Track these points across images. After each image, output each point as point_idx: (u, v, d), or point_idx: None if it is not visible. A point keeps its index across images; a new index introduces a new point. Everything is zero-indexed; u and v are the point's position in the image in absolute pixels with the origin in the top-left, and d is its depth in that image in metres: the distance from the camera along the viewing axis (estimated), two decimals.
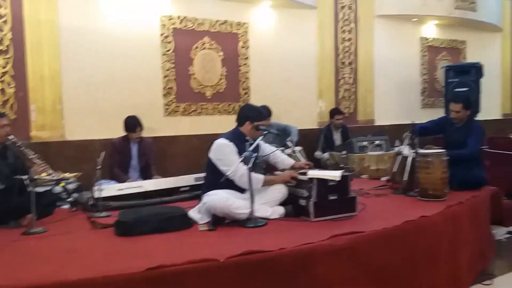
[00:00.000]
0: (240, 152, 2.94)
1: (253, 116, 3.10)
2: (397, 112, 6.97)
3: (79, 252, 2.31)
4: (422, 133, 3.82)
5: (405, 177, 3.41)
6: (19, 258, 2.25)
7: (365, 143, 4.91)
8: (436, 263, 2.70)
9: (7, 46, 4.52)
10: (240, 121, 3.15)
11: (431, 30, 7.52)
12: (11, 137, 3.26)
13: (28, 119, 4.64)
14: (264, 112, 3.25)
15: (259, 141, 3.12)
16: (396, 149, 3.79)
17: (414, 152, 3.43)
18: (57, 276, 1.86)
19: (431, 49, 7.50)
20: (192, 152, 5.26)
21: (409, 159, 3.44)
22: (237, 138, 3.05)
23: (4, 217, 2.98)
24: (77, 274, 1.87)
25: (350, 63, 6.52)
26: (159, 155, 4.91)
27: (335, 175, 2.80)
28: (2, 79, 4.53)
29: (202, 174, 3.63)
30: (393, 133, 5.73)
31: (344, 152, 4.06)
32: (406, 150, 3.59)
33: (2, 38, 4.48)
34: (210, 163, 3.05)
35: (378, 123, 6.73)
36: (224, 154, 2.96)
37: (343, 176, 2.82)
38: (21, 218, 2.97)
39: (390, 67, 6.93)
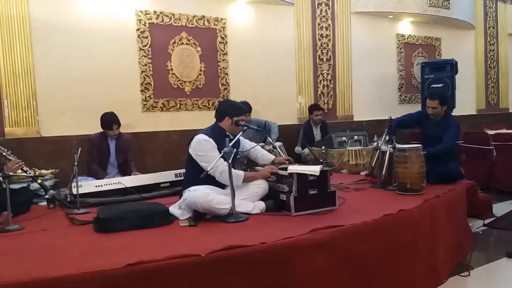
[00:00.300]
0: (220, 148, 2.93)
1: (232, 112, 3.09)
2: (375, 107, 7.09)
3: (57, 249, 2.26)
4: (399, 127, 3.89)
5: (384, 171, 3.46)
6: None
7: (344, 138, 4.97)
8: (415, 256, 2.75)
9: None
10: (219, 116, 3.13)
11: (406, 27, 7.66)
12: None
13: (1, 115, 4.51)
14: (243, 108, 3.23)
15: (239, 136, 3.12)
16: (374, 144, 3.84)
17: (391, 147, 3.48)
18: (35, 273, 1.81)
19: (407, 46, 7.64)
20: (171, 148, 5.22)
21: (387, 154, 3.50)
22: (217, 134, 3.03)
23: None
24: (56, 271, 1.83)
25: (328, 59, 6.58)
26: (138, 151, 4.85)
27: (314, 170, 2.81)
28: None
29: (182, 170, 3.62)
30: (372, 128, 5.85)
31: (323, 147, 4.09)
32: (384, 145, 3.64)
33: None
34: (190, 159, 3.03)
35: (356, 118, 6.82)
36: (203, 150, 2.94)
37: (322, 171, 2.84)
38: None
39: (367, 63, 7.03)
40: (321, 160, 3.74)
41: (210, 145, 2.94)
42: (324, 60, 6.57)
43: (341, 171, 4.60)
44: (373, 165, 3.74)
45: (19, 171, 3.10)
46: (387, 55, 7.40)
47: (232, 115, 3.08)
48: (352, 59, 6.82)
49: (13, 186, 2.85)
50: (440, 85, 6.64)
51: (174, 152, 5.10)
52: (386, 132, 3.71)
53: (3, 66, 4.50)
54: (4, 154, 3.17)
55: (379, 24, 7.21)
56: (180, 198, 3.01)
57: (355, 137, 5.03)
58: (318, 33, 6.49)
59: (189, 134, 3.11)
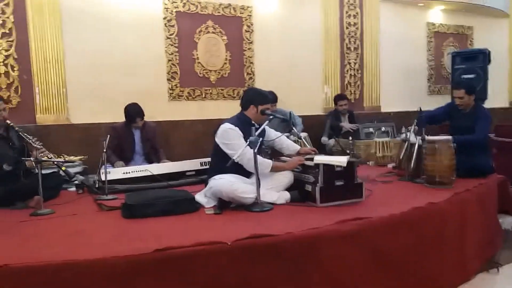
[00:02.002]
0: (245, 137, 2.93)
1: (258, 100, 3.08)
2: (403, 98, 6.92)
3: (87, 233, 2.33)
4: (429, 122, 3.80)
5: (412, 164, 3.38)
6: (29, 238, 2.25)
7: (371, 129, 4.88)
8: (443, 250, 2.70)
9: (10, 29, 4.49)
10: (245, 105, 3.12)
11: (437, 16, 7.42)
12: (8, 121, 3.26)
13: (33, 102, 4.63)
14: (268, 96, 3.21)
15: (265, 125, 3.11)
16: (403, 135, 3.76)
17: (421, 139, 3.40)
18: (66, 256, 1.87)
19: (437, 35, 7.41)
20: (196, 137, 5.25)
21: (416, 146, 3.42)
22: (242, 123, 3.03)
23: (12, 198, 3.00)
24: (86, 254, 1.88)
25: (355, 48, 6.46)
26: (163, 139, 4.90)
27: (341, 160, 2.78)
28: (6, 62, 4.52)
29: (207, 159, 3.64)
30: (399, 119, 5.72)
31: (351, 138, 4.03)
32: (412, 136, 3.57)
33: (4, 21, 4.45)
34: (216, 148, 3.04)
35: (384, 109, 6.69)
36: (229, 138, 2.95)
37: (349, 162, 2.81)
38: (29, 199, 2.99)
39: (396, 53, 6.86)
40: (348, 151, 3.68)
41: (236, 133, 2.94)
42: (352, 49, 6.44)
43: (368, 163, 4.53)
44: (401, 157, 3.66)
45: (45, 158, 3.18)
46: (417, 45, 7.19)
47: (257, 103, 3.06)
48: (381, 48, 6.66)
49: (44, 172, 2.93)
50: (471, 76, 6.42)
51: (199, 141, 5.13)
52: (415, 123, 3.63)
53: (35, 54, 4.60)
54: (30, 141, 3.25)
55: (409, 12, 7.01)
56: (205, 186, 3.03)
57: (383, 129, 4.93)
58: (346, 22, 6.36)
59: (214, 123, 3.11)
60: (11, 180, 3.01)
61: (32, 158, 2.89)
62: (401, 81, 6.98)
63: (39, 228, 2.48)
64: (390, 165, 4.29)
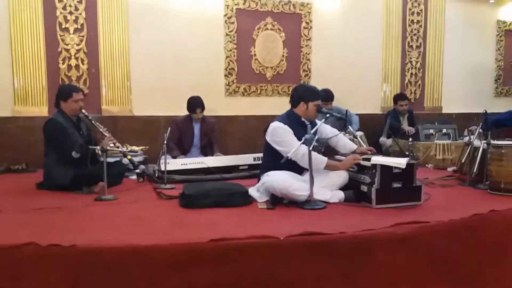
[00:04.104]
0: (295, 134, 2.93)
1: (307, 96, 3.06)
2: (467, 99, 6.56)
3: (146, 220, 2.45)
4: (496, 126, 3.59)
5: (475, 168, 3.22)
6: (94, 222, 2.42)
7: (431, 131, 4.69)
8: (504, 260, 2.55)
9: (81, 24, 4.79)
10: (294, 102, 3.12)
11: (510, 13, 6.94)
12: (83, 110, 3.50)
13: (99, 94, 4.92)
14: (319, 92, 3.17)
15: (321, 123, 3.09)
16: (466, 138, 3.58)
17: (486, 143, 3.22)
18: (129, 240, 1.98)
19: (509, 33, 6.93)
20: (249, 133, 5.32)
21: (480, 150, 3.25)
22: (291, 120, 3.04)
23: (78, 183, 3.22)
24: (147, 240, 1.98)
25: (418, 47, 6.21)
26: (218, 133, 5.01)
27: (400, 162, 2.70)
28: (77, 55, 4.82)
29: (260, 154, 3.68)
30: (462, 121, 5.45)
31: (411, 139, 3.89)
32: (476, 139, 3.39)
33: (77, 17, 4.75)
34: (267, 146, 3.08)
35: (445, 110, 6.38)
36: (280, 136, 2.97)
37: (408, 164, 2.72)
38: (94, 185, 3.19)
39: (461, 51, 6.50)
40: (407, 153, 3.57)
41: (285, 131, 2.96)
42: (414, 47, 6.20)
43: (427, 165, 4.37)
44: (463, 161, 3.50)
45: (112, 145, 3.38)
46: (485, 43, 6.77)
47: (307, 100, 3.05)
48: (444, 47, 6.35)
49: (108, 160, 3.11)
50: None
51: (252, 137, 5.19)
52: (480, 126, 3.45)
53: (103, 49, 4.88)
54: (101, 130, 3.47)
55: (478, 9, 6.61)
56: (258, 181, 3.07)
57: (444, 130, 4.72)
58: (409, 19, 6.13)
59: (268, 120, 3.14)
60: (79, 166, 3.23)
61: (98, 147, 3.08)
62: (465, 82, 6.62)
63: (103, 212, 2.64)
64: (450, 169, 4.11)
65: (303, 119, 3.08)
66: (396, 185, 2.74)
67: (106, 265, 1.90)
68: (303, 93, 3.09)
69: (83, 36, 4.82)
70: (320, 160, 2.91)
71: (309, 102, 3.04)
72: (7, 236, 2.05)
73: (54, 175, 3.31)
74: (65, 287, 1.88)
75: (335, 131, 3.33)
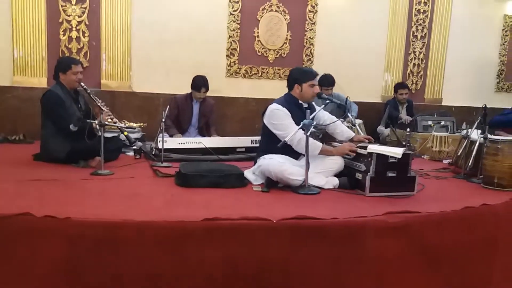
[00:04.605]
0: (293, 117, 2.94)
1: (301, 78, 3.06)
2: (467, 93, 6.55)
3: (142, 196, 2.46)
4: (496, 126, 3.59)
5: (470, 162, 3.24)
6: (89, 196, 2.43)
7: (430, 122, 4.68)
8: (494, 253, 2.58)
9: None
10: (290, 85, 3.13)
11: None
12: (82, 84, 3.48)
13: (99, 68, 4.88)
14: (312, 72, 3.16)
15: (320, 109, 3.09)
16: (463, 132, 3.59)
17: (483, 137, 3.24)
18: (123, 215, 2.00)
19: None
20: (249, 115, 5.32)
21: (477, 144, 3.26)
22: (289, 103, 3.05)
23: (75, 157, 3.23)
24: (140, 216, 2.01)
25: (422, 37, 6.16)
26: (217, 115, 5.00)
27: (396, 152, 2.71)
28: (78, 27, 4.78)
29: (258, 137, 3.70)
30: (461, 115, 5.46)
31: (409, 129, 3.90)
32: (474, 134, 3.40)
33: None
34: (265, 129, 3.09)
35: (445, 103, 6.37)
36: (277, 119, 2.98)
37: (404, 154, 2.73)
38: (90, 159, 3.20)
39: (465, 45, 6.45)
40: (404, 143, 3.58)
41: (283, 113, 2.97)
42: (418, 37, 6.15)
43: (422, 156, 4.38)
44: (459, 153, 3.52)
45: (109, 121, 3.38)
46: (489, 38, 6.71)
47: (301, 82, 3.06)
48: (449, 39, 6.30)
49: (106, 135, 3.12)
50: None
51: (251, 119, 5.19)
52: (478, 120, 3.45)
53: (105, 22, 4.83)
54: (99, 104, 3.46)
55: (485, 3, 6.53)
56: (254, 164, 3.09)
57: (442, 123, 4.72)
58: (415, 8, 6.06)
59: (268, 103, 3.14)
60: (76, 140, 3.23)
61: (96, 121, 3.08)
62: (467, 75, 6.59)
63: (98, 187, 2.65)
64: (446, 161, 4.13)
65: (300, 102, 3.08)
66: (390, 174, 2.75)
67: (100, 238, 1.92)
68: (297, 75, 3.10)
69: (85, 8, 4.76)
70: (315, 145, 2.92)
71: (302, 84, 3.05)
72: (2, 206, 2.06)
73: (50, 147, 3.31)
74: (58, 259, 1.90)
75: (333, 118, 3.34)
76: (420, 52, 6.18)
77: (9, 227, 1.92)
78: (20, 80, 4.67)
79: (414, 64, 6.18)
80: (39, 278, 1.90)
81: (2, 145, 4.22)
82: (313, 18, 5.57)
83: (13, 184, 2.57)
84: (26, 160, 3.40)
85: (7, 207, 2.02)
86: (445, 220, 2.41)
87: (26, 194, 2.34)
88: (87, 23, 4.79)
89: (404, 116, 5.30)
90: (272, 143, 2.90)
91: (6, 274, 1.90)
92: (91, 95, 3.50)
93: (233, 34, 5.28)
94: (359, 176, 2.82)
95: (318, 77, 3.13)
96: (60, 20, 4.72)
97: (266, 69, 5.50)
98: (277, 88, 5.40)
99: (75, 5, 4.72)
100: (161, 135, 3.41)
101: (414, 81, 6.22)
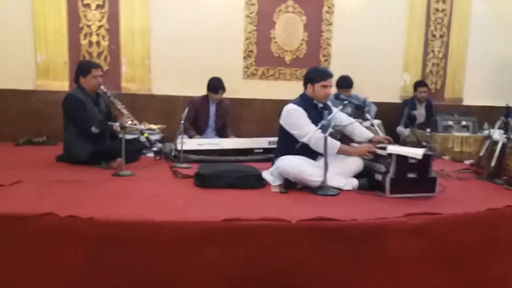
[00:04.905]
0: (309, 116, 2.95)
1: (314, 78, 3.06)
2: (489, 92, 6.40)
3: (162, 197, 2.50)
4: None
5: (493, 162, 3.17)
6: (111, 196, 2.47)
7: (450, 122, 4.60)
8: None
9: (103, 1, 4.82)
10: (304, 85, 3.14)
11: None
12: (102, 87, 3.54)
13: (119, 71, 4.97)
14: (326, 72, 3.14)
15: (337, 111, 3.07)
16: (486, 132, 3.52)
17: (506, 137, 3.17)
18: (143, 215, 2.04)
19: None
20: (265, 116, 5.32)
21: (499, 144, 3.19)
22: (305, 103, 3.05)
23: (97, 158, 3.29)
24: (161, 216, 2.03)
25: (441, 36, 6.06)
26: (234, 116, 5.03)
27: (417, 152, 2.67)
28: (98, 32, 4.87)
29: (275, 138, 3.69)
30: (482, 115, 5.33)
31: (429, 130, 3.84)
32: (496, 134, 3.33)
33: None
34: (281, 130, 3.09)
35: (466, 102, 6.25)
36: (293, 118, 2.98)
37: (425, 155, 2.70)
38: (112, 160, 3.25)
39: (487, 43, 6.31)
40: (424, 144, 3.53)
41: (299, 113, 2.97)
42: (437, 36, 6.05)
43: (443, 157, 4.31)
44: (481, 154, 3.45)
45: (130, 123, 3.44)
46: (511, 35, 6.57)
47: (314, 82, 3.06)
48: (470, 37, 6.19)
49: (127, 137, 3.16)
50: None
51: (268, 120, 5.18)
52: (501, 120, 3.38)
53: (124, 26, 4.91)
54: (119, 107, 3.52)
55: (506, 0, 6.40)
56: (272, 165, 3.09)
57: (463, 123, 4.63)
58: (433, 7, 5.97)
59: (284, 104, 3.14)
60: (98, 142, 3.30)
61: (117, 123, 3.13)
62: (489, 74, 6.45)
63: (120, 187, 2.70)
64: (467, 162, 4.05)
65: (315, 102, 3.08)
66: (411, 175, 2.72)
67: (121, 238, 1.96)
68: (311, 75, 3.10)
69: (104, 13, 4.85)
70: (333, 144, 2.90)
71: (315, 84, 3.05)
72: (27, 206, 2.12)
73: (73, 149, 3.38)
74: (81, 258, 1.94)
75: (351, 119, 3.32)
76: (439, 51, 6.08)
77: (34, 226, 1.97)
78: (43, 84, 4.78)
79: (433, 63, 6.08)
80: (62, 277, 1.94)
81: (26, 147, 4.33)
82: (330, 18, 5.55)
83: (37, 185, 2.63)
84: (50, 162, 3.48)
85: (32, 207, 2.08)
86: (467, 221, 2.37)
87: (49, 195, 2.40)
88: (106, 27, 4.88)
89: (417, 112, 5.22)
90: (290, 144, 2.90)
91: (30, 272, 1.95)
92: (111, 98, 3.57)
93: (250, 36, 5.30)
94: (378, 177, 2.79)
95: (331, 78, 3.12)
96: (81, 25, 4.82)
97: (283, 70, 5.50)
98: (294, 89, 5.35)
99: (95, 10, 4.81)
100: (180, 136, 3.44)
101: (434, 81, 6.12)
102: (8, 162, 3.40)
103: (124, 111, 3.50)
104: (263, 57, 5.40)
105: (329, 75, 3.09)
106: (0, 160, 3.51)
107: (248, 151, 3.95)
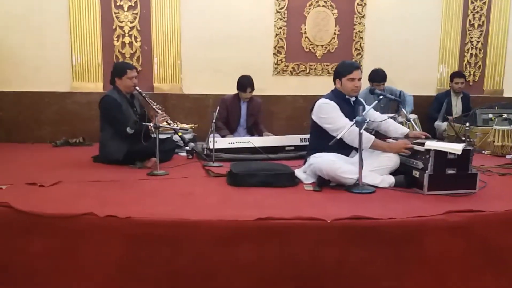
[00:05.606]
0: (342, 111, 2.92)
1: (340, 72, 3.04)
2: None
3: (196, 195, 2.52)
4: None
5: None
6: (147, 195, 2.52)
7: (490, 115, 4.41)
8: None
9: (135, 2, 4.90)
10: (334, 80, 3.13)
11: None
12: (137, 88, 3.61)
13: (151, 72, 5.05)
14: (353, 65, 3.11)
15: (370, 108, 2.99)
16: None
17: None
18: (179, 214, 2.06)
19: None
20: (296, 113, 5.28)
21: None
22: (337, 97, 3.03)
23: (132, 158, 3.36)
24: (195, 215, 2.05)
25: (480, 26, 5.81)
26: (265, 113, 5.01)
27: (456, 148, 2.58)
28: (131, 33, 4.96)
29: (307, 135, 3.65)
30: None
31: (468, 123, 3.69)
32: None
33: None
34: (314, 126, 3.06)
35: (507, 94, 5.96)
36: (326, 112, 2.95)
37: (464, 150, 2.59)
38: (146, 160, 3.31)
39: None
40: (463, 138, 3.39)
41: (331, 107, 2.94)
42: (475, 26, 5.81)
43: (483, 151, 4.14)
44: None
45: (164, 123, 3.49)
46: None
47: (340, 76, 3.04)
48: (510, 26, 5.90)
49: (160, 136, 3.21)
50: None
51: (299, 117, 5.15)
52: None
53: (155, 27, 4.98)
54: (154, 107, 3.58)
55: None
56: (304, 163, 3.06)
57: (504, 116, 4.41)
58: None
59: (315, 100, 3.11)
60: (133, 142, 3.36)
61: (151, 124, 3.18)
62: None
63: (155, 187, 2.74)
64: (509, 156, 3.87)
65: (347, 96, 3.05)
66: (450, 171, 2.62)
67: (158, 237, 1.99)
68: (338, 69, 3.09)
69: (136, 14, 4.94)
70: (367, 138, 2.85)
71: (342, 78, 3.02)
72: (66, 205, 2.19)
73: (109, 150, 3.46)
74: (119, 256, 1.99)
75: (384, 116, 3.24)
76: (478, 42, 5.83)
77: (74, 226, 2.03)
78: (78, 86, 4.93)
79: (471, 54, 5.84)
80: (102, 274, 1.99)
81: (63, 148, 4.48)
82: (362, 11, 5.43)
83: (76, 185, 2.72)
84: (87, 162, 3.59)
85: (72, 206, 2.15)
86: (510, 219, 2.26)
87: (87, 195, 2.46)
88: (138, 28, 4.97)
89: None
90: (322, 141, 2.85)
91: (71, 270, 2.01)
92: (146, 99, 3.63)
93: (280, 32, 5.26)
94: (416, 173, 2.71)
95: (358, 71, 3.04)
96: (114, 27, 4.93)
97: (314, 65, 5.43)
98: (326, 84, 5.26)
99: (127, 11, 4.91)
100: (212, 135, 3.46)
101: (472, 72, 5.88)
102: (48, 163, 3.53)
103: (159, 111, 3.55)
104: (293, 53, 5.35)
105: (355, 67, 3.04)
106: (40, 161, 3.65)
107: (280, 149, 3.94)
